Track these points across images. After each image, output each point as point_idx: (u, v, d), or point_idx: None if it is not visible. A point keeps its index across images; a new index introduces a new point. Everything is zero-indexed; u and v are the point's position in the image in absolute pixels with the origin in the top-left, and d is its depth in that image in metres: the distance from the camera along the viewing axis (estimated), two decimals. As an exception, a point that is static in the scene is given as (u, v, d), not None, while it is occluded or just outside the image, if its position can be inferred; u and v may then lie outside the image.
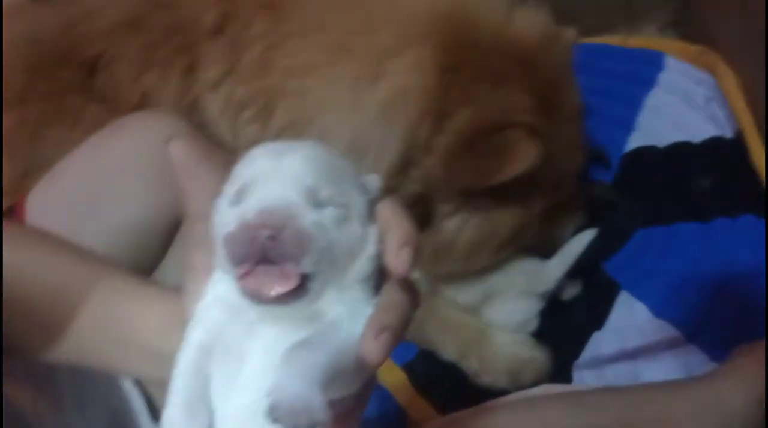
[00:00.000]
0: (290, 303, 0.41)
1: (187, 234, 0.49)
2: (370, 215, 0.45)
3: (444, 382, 0.99)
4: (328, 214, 0.42)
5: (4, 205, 1.01)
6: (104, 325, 0.63)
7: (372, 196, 0.45)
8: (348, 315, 0.43)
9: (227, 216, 0.43)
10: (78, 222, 0.80)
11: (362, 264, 0.43)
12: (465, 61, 0.89)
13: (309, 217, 0.41)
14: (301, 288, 0.41)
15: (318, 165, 0.44)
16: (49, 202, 0.91)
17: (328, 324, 0.42)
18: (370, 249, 0.44)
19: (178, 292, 0.61)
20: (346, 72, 0.92)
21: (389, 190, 0.83)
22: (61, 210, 0.88)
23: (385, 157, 0.90)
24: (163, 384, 0.61)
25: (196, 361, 0.45)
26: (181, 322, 0.57)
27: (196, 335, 0.45)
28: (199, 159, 0.47)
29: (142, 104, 1.00)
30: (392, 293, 0.43)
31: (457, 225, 0.95)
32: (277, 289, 0.41)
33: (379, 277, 0.45)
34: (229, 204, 0.43)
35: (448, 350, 1.00)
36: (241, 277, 0.41)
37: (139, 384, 0.90)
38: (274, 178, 0.42)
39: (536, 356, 0.96)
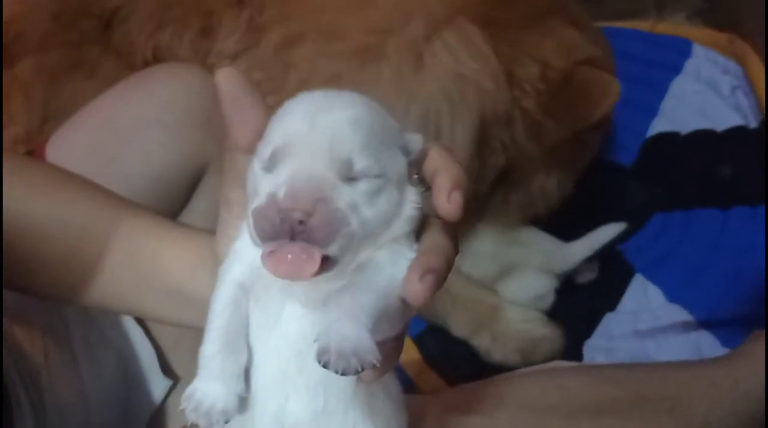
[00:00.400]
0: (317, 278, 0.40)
1: (226, 168, 0.49)
2: (410, 176, 0.43)
3: (454, 357, 0.99)
4: (362, 188, 0.41)
5: (23, 151, 1.01)
6: (129, 265, 0.63)
7: (414, 157, 0.44)
8: (390, 259, 0.42)
9: (259, 183, 0.42)
10: (100, 169, 0.80)
11: (399, 226, 0.42)
12: (500, 19, 0.87)
13: (341, 197, 0.40)
14: (326, 267, 0.40)
15: (356, 128, 0.41)
16: (71, 148, 0.91)
17: (370, 268, 0.41)
18: (407, 210, 0.43)
19: (207, 234, 0.61)
20: (381, 76, 0.89)
21: (471, 172, 0.84)
22: (83, 156, 0.87)
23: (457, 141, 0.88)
24: (186, 327, 0.62)
25: (234, 299, 0.44)
26: (209, 265, 0.56)
27: (235, 272, 0.44)
28: (247, 90, 0.46)
29: (154, 60, 1.00)
30: (436, 237, 0.42)
31: (543, 181, 0.96)
32: (301, 274, 0.39)
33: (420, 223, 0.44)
34: (261, 168, 0.42)
35: (460, 326, 1.00)
36: (267, 255, 0.40)
37: (149, 335, 0.90)
38: (306, 147, 0.41)
39: (548, 334, 0.96)
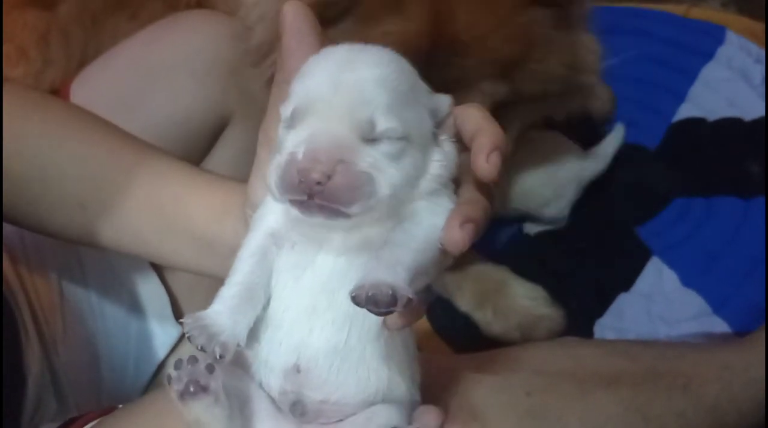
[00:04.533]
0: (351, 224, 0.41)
1: (271, 102, 0.48)
2: (438, 136, 0.44)
3: (458, 328, 0.99)
4: (384, 149, 0.41)
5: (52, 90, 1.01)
6: (151, 209, 0.62)
7: (441, 117, 0.44)
8: (430, 210, 0.42)
9: (283, 137, 0.42)
10: (124, 111, 0.80)
11: (426, 184, 0.43)
12: None
13: (362, 159, 0.40)
14: (350, 219, 0.41)
15: (380, 88, 0.41)
16: (96, 89, 0.91)
17: (409, 219, 0.42)
18: (433, 168, 0.43)
19: (232, 182, 0.61)
20: None
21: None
22: (107, 97, 0.87)
23: None
24: (205, 274, 0.62)
25: (263, 248, 0.44)
26: (234, 212, 0.56)
27: (270, 221, 0.45)
28: (311, 26, 0.46)
29: (197, 5, 0.98)
30: (473, 192, 0.42)
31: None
32: (323, 217, 0.40)
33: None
34: (285, 125, 0.42)
35: (465, 298, 1.00)
36: (295, 204, 0.40)
37: (164, 282, 0.90)
38: (328, 107, 0.40)
39: (550, 313, 0.96)
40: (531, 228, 1.06)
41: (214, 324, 0.42)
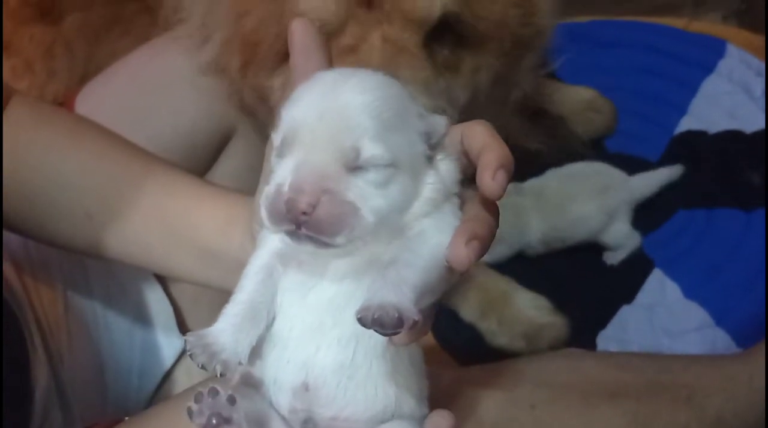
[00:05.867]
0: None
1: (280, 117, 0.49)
2: (431, 159, 0.43)
3: (462, 340, 0.99)
4: (371, 178, 0.40)
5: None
6: (157, 220, 0.63)
7: (435, 140, 0.43)
8: (436, 227, 0.42)
9: (274, 168, 0.42)
10: (129, 123, 0.80)
11: (420, 207, 0.43)
12: None
13: (347, 189, 0.40)
14: (338, 248, 0.41)
15: (365, 115, 0.41)
16: (101, 102, 0.92)
17: (415, 236, 0.42)
18: (428, 191, 0.43)
19: (237, 194, 0.61)
20: None
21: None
22: (112, 110, 0.88)
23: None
24: (211, 286, 0.62)
25: (268, 266, 0.44)
26: (240, 224, 0.57)
27: (276, 240, 0.45)
28: (319, 44, 0.47)
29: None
30: (478, 209, 0.43)
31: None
32: (311, 246, 0.41)
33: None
34: (276, 154, 0.42)
35: (470, 308, 1.00)
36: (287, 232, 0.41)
37: (168, 294, 0.91)
38: (312, 136, 0.40)
39: (554, 321, 0.96)
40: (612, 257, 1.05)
41: (215, 343, 0.42)
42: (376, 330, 0.38)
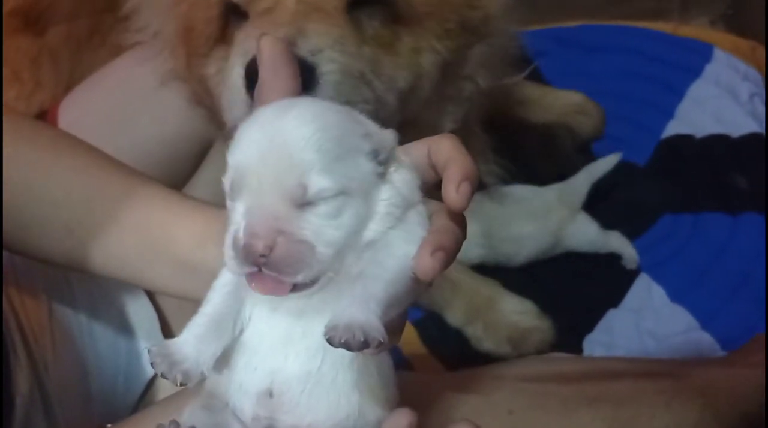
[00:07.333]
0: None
1: None
2: (383, 175, 0.43)
3: (448, 345, 1.00)
4: (322, 211, 0.41)
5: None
6: (137, 235, 0.63)
7: (384, 155, 0.43)
8: (403, 238, 0.43)
9: (230, 211, 0.43)
10: (112, 131, 0.81)
11: (378, 224, 0.43)
12: None
13: (302, 226, 0.40)
14: (303, 288, 0.41)
15: (306, 150, 0.41)
16: (84, 111, 0.92)
17: (382, 249, 0.42)
18: (383, 207, 0.43)
19: (215, 208, 0.61)
20: None
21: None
22: (95, 118, 0.88)
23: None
24: (190, 299, 0.62)
25: (235, 281, 0.44)
26: (217, 237, 0.57)
27: None
28: (287, 60, 0.47)
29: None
30: (444, 221, 0.43)
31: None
32: (278, 293, 0.41)
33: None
34: (228, 198, 0.43)
35: (456, 314, 1.00)
36: (248, 277, 0.41)
37: (153, 300, 0.91)
38: (257, 179, 0.41)
39: (540, 326, 0.96)
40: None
41: (177, 353, 0.43)
42: (344, 348, 0.39)
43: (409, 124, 0.81)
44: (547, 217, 1.03)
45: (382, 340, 0.38)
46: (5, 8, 1.08)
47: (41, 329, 0.80)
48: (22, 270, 0.82)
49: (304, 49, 0.72)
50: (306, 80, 0.70)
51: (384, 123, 0.46)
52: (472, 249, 1.03)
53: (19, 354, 0.74)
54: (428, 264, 0.40)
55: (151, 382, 0.88)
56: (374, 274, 0.41)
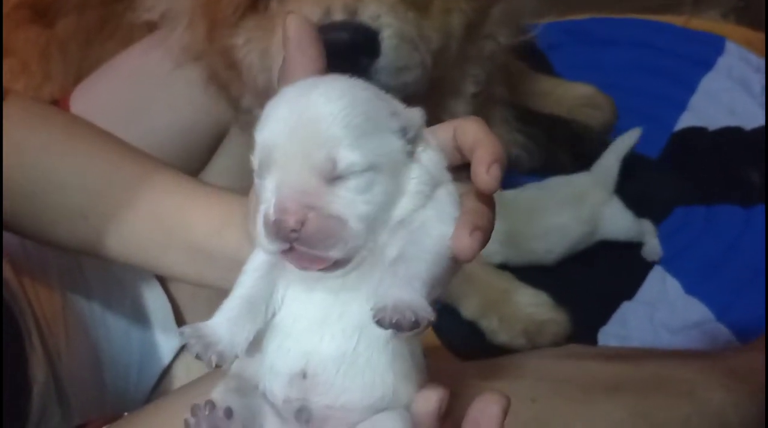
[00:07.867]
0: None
1: None
2: (412, 153, 0.43)
3: (463, 337, 0.99)
4: (352, 185, 0.40)
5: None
6: (152, 220, 0.62)
7: (412, 133, 0.43)
8: (437, 217, 0.42)
9: (259, 190, 0.42)
10: (125, 120, 0.80)
11: (409, 202, 0.42)
12: None
13: (330, 201, 0.40)
14: (339, 265, 0.41)
15: (334, 126, 0.41)
16: (95, 101, 0.91)
17: (416, 230, 0.42)
18: (413, 185, 0.43)
19: (232, 194, 0.61)
20: None
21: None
22: (108, 107, 0.88)
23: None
24: (206, 285, 0.62)
25: (268, 262, 0.44)
26: (234, 223, 0.57)
27: None
28: (313, 40, 0.47)
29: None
30: (475, 202, 0.43)
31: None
32: (314, 268, 0.41)
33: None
34: (256, 176, 0.43)
35: (471, 307, 1.00)
36: (282, 253, 0.41)
37: (166, 289, 0.90)
38: (286, 156, 0.41)
39: (555, 318, 0.96)
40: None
41: (211, 335, 0.42)
42: (392, 329, 0.38)
43: (433, 88, 0.81)
44: (581, 204, 1.01)
45: (431, 320, 0.38)
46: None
47: (55, 318, 0.80)
48: (35, 261, 0.81)
49: (365, 15, 0.73)
50: (368, 47, 0.73)
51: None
52: (495, 249, 1.01)
53: (35, 343, 0.74)
54: (467, 244, 0.40)
55: (165, 372, 0.88)
56: (414, 254, 0.41)
